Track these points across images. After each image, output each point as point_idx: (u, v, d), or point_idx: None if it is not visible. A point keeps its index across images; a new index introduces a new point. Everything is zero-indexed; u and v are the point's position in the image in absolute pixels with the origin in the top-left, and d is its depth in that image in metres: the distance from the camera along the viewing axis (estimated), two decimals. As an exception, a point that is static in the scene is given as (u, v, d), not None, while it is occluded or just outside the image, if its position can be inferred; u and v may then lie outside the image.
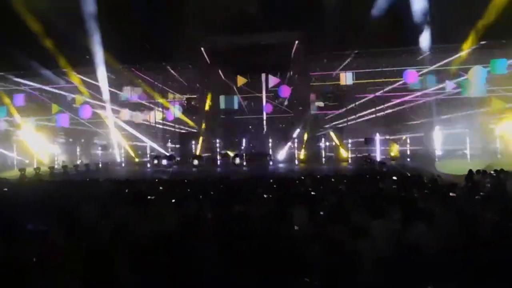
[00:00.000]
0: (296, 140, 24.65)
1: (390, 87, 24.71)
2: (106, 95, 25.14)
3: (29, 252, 3.90)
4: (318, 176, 12.82)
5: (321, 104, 25.86)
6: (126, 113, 26.32)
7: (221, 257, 3.90)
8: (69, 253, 3.84)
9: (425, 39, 21.70)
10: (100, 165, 23.69)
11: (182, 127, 27.09)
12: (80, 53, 23.39)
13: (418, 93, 24.14)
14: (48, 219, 5.45)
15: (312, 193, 8.95)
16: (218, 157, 24.47)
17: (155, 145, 25.96)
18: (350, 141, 24.07)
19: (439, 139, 22.67)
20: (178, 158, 24.67)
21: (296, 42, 24.17)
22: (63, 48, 22.85)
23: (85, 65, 24.94)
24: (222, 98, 26.21)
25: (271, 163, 23.24)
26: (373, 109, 24.70)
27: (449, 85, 23.24)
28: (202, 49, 25.21)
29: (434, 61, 23.39)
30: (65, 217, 5.51)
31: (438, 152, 22.34)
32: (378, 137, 23.58)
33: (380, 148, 23.49)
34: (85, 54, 23.80)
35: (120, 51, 23.20)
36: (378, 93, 24.87)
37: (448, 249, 4.18)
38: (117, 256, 3.79)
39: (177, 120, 26.85)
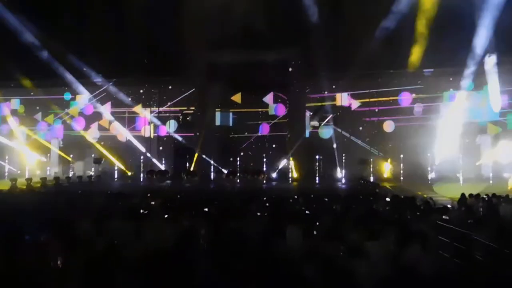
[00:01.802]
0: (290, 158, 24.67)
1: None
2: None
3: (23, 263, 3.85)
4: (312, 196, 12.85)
5: (316, 124, 26.06)
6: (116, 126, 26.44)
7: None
8: (63, 266, 3.80)
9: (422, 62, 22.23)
10: (93, 178, 23.51)
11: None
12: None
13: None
14: (40, 230, 5.40)
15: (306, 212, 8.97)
16: (212, 173, 24.43)
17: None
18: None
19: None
20: (170, 174, 24.62)
21: (293, 61, 24.50)
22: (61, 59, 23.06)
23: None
24: (217, 115, 26.36)
25: (264, 181, 23.23)
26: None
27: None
28: (200, 64, 25.40)
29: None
30: (58, 230, 5.46)
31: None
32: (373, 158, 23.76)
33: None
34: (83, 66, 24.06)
35: (118, 65, 23.39)
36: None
37: (442, 272, 4.19)
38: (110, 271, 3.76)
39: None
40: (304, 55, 23.73)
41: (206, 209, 8.88)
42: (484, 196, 11.28)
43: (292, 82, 25.42)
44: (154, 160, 26.02)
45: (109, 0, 21.63)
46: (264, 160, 25.01)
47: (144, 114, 26.60)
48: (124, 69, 24.01)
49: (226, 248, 4.57)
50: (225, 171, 24.36)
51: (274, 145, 26.68)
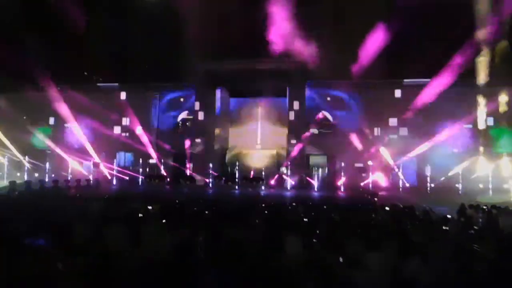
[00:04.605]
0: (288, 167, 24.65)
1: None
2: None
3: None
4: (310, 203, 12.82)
5: (315, 131, 26.11)
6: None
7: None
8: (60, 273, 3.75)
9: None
10: (91, 182, 23.43)
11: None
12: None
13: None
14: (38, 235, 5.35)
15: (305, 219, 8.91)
16: (210, 179, 24.39)
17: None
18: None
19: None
20: (169, 179, 24.65)
21: (294, 69, 24.59)
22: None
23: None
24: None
25: (263, 187, 23.21)
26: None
27: None
28: (201, 71, 25.54)
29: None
30: (56, 235, 5.41)
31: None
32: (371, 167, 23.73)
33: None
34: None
35: (118, 70, 23.50)
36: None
37: (442, 284, 4.16)
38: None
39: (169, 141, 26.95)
40: (303, 63, 23.91)
41: (205, 217, 8.81)
42: (484, 207, 11.26)
43: (291, 89, 25.55)
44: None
45: (111, 8, 21.75)
46: (263, 167, 25.02)
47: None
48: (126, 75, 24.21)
49: (225, 258, 4.52)
50: (223, 178, 24.38)
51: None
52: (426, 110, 23.61)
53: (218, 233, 6.34)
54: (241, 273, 3.99)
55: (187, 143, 25.89)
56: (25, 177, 23.53)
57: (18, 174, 24.99)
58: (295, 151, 24.68)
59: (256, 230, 7.08)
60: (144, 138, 26.35)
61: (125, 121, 27.26)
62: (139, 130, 26.45)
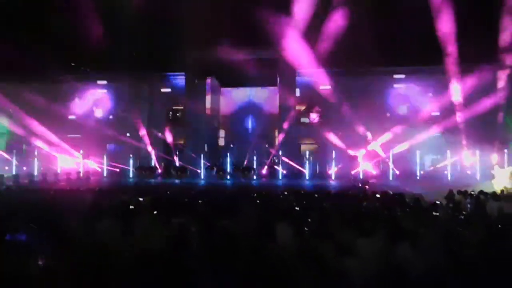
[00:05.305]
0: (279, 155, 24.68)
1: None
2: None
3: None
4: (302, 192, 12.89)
5: (306, 120, 26.13)
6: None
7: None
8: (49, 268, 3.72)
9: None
10: (82, 174, 23.29)
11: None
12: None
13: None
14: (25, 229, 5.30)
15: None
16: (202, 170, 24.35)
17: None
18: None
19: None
20: (160, 170, 24.55)
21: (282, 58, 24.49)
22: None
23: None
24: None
25: (254, 177, 23.25)
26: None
27: None
28: (191, 60, 25.36)
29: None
30: (45, 229, 5.36)
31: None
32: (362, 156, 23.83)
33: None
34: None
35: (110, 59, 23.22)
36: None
37: (433, 270, 4.21)
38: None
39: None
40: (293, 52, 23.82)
41: (197, 208, 8.80)
42: (472, 193, 11.40)
43: (282, 78, 25.47)
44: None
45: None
46: (254, 156, 24.99)
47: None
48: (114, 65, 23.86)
49: (218, 250, 4.52)
50: (215, 168, 24.34)
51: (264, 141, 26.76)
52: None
53: (210, 224, 6.33)
54: (235, 264, 4.00)
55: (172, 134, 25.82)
56: (13, 171, 23.22)
57: (6, 167, 24.68)
58: (286, 140, 24.69)
59: (249, 220, 7.09)
60: (135, 130, 26.14)
61: (116, 112, 27.03)
62: (130, 121, 26.19)
